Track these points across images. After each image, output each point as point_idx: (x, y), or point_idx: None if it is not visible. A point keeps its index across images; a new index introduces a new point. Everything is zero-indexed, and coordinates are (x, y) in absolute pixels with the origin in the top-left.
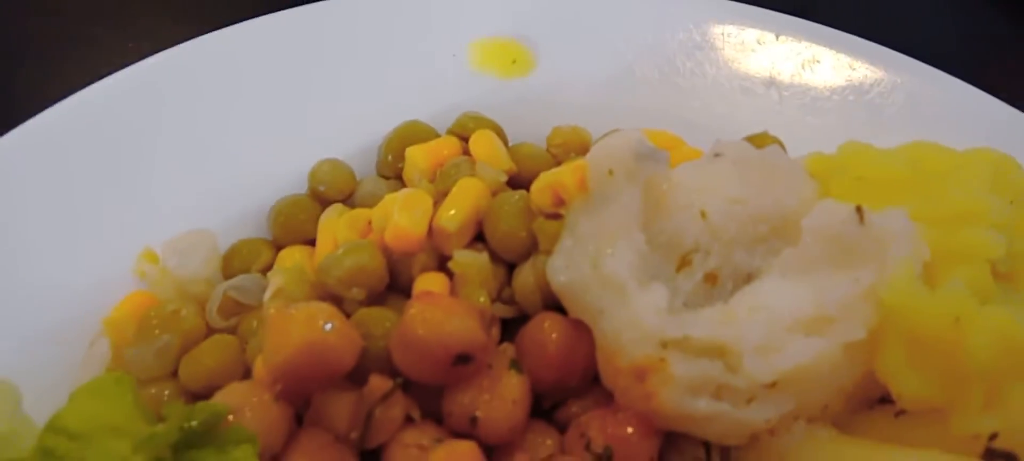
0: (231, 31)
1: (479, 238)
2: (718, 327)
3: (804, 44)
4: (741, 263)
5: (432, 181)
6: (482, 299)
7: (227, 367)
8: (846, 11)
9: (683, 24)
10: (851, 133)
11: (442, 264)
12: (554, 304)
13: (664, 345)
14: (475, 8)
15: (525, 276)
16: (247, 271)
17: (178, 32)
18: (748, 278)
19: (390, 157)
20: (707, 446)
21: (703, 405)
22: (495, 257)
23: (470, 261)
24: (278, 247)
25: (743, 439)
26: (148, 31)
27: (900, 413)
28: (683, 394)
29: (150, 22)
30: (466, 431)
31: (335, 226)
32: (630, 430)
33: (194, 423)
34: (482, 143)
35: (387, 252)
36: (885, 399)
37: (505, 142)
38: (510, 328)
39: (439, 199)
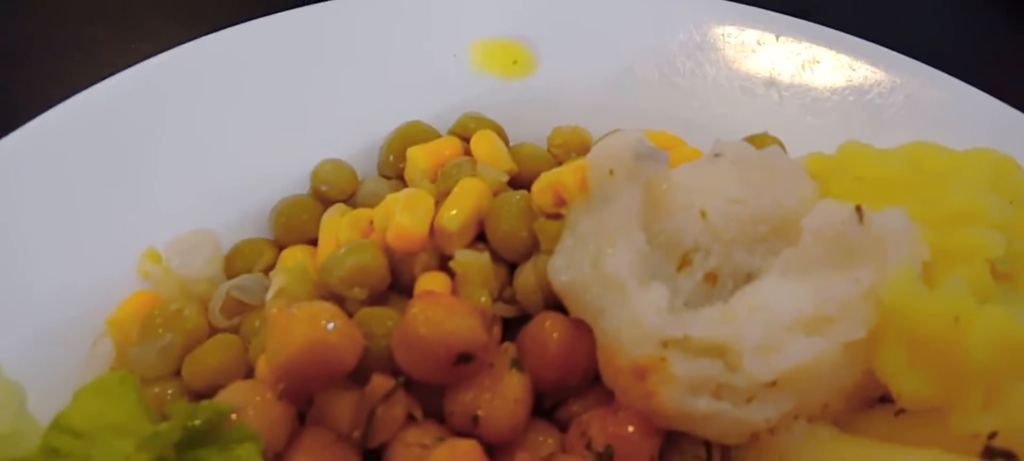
0: (233, 32)
1: (480, 238)
2: (718, 326)
3: (804, 45)
4: (741, 263)
5: (433, 181)
6: (483, 299)
7: (230, 366)
8: (846, 12)
9: (683, 25)
10: (851, 133)
11: (444, 264)
12: (555, 304)
13: (664, 344)
14: (476, 9)
15: (526, 276)
16: (250, 271)
17: (180, 33)
18: (748, 278)
19: (392, 157)
20: (708, 445)
21: (703, 404)
22: (496, 257)
23: (471, 261)
24: (280, 247)
25: (743, 438)
26: (151, 32)
27: (900, 412)
28: (683, 393)
29: (153, 23)
30: (468, 430)
31: (337, 226)
32: (631, 429)
33: (197, 422)
34: (483, 143)
35: (389, 252)
36: (885, 398)
37: (506, 142)
38: (511, 328)
39: (441, 199)
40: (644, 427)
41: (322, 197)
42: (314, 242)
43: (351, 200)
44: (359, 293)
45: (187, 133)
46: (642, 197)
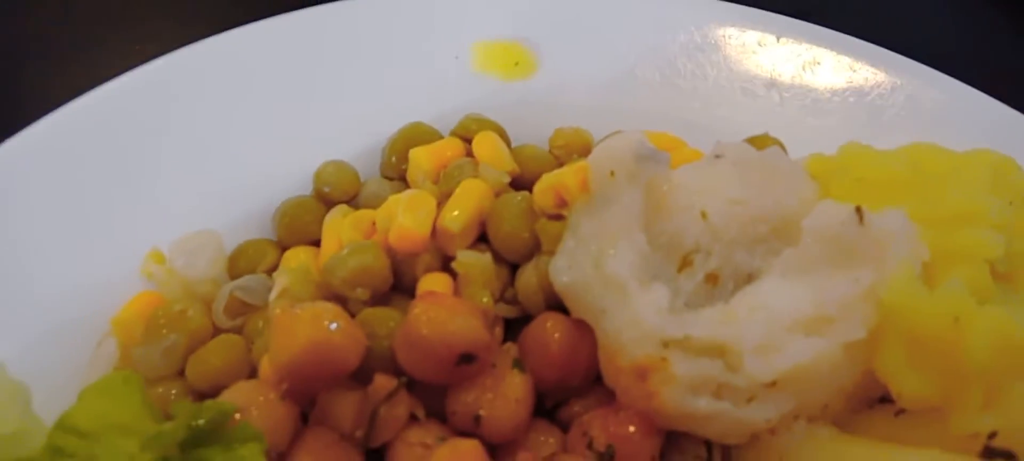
0: (236, 34)
1: (482, 239)
2: (719, 327)
3: (805, 46)
4: (742, 263)
5: (436, 182)
6: (485, 299)
7: (233, 366)
8: (846, 13)
9: (684, 26)
10: (851, 134)
11: (446, 264)
12: (557, 304)
13: (665, 345)
14: (478, 11)
15: (528, 276)
16: (253, 271)
17: (184, 35)
18: (749, 278)
19: (394, 158)
20: (708, 445)
21: (704, 404)
22: (498, 257)
23: (473, 261)
24: (283, 248)
25: (744, 438)
26: (154, 34)
27: (900, 412)
28: (684, 393)
29: (156, 25)
30: (470, 430)
31: (340, 227)
32: (632, 429)
33: (201, 421)
34: (485, 145)
35: (391, 253)
36: (885, 398)
37: (508, 144)
38: (513, 328)
39: (443, 200)
40: (645, 427)
41: (325, 198)
42: (317, 243)
43: (354, 201)
44: (362, 294)
45: (190, 134)
46: (643, 198)
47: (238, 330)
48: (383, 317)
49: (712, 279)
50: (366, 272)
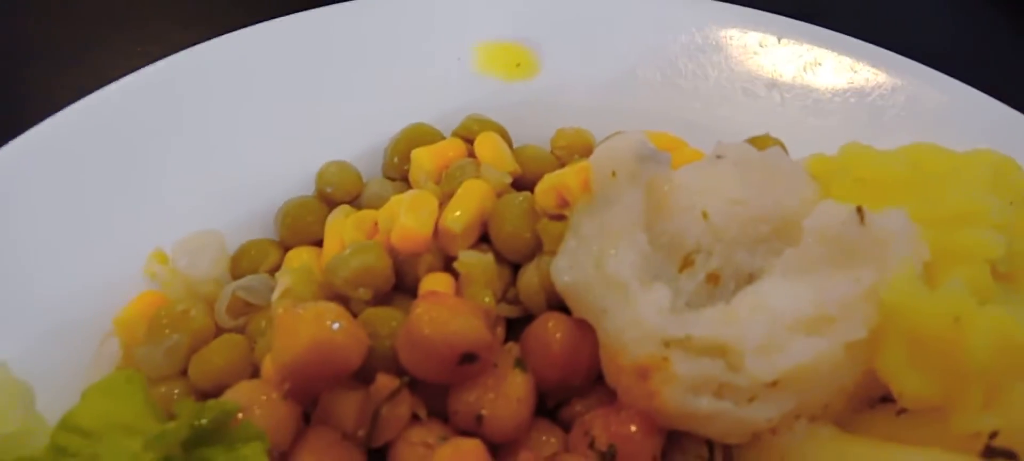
0: (239, 35)
1: (484, 239)
2: (720, 326)
3: (805, 47)
4: (743, 263)
5: (438, 183)
6: (487, 299)
7: (236, 366)
8: (847, 14)
9: (685, 27)
10: (852, 135)
11: (448, 264)
12: (558, 304)
13: (667, 344)
14: (479, 12)
15: (529, 276)
16: (255, 271)
17: (187, 36)
18: (750, 278)
19: (396, 159)
20: (710, 444)
21: (705, 404)
22: (500, 257)
23: (475, 261)
24: (286, 248)
25: (745, 438)
26: (157, 35)
27: (901, 412)
28: (685, 393)
29: (159, 26)
30: (471, 429)
31: (342, 227)
32: (633, 428)
33: (204, 421)
34: (487, 145)
35: (393, 253)
36: (886, 398)
37: (509, 144)
38: (515, 328)
39: (444, 200)
40: (646, 426)
41: (327, 198)
42: (319, 243)
43: (356, 201)
44: (364, 293)
45: (193, 135)
46: (644, 198)
47: (240, 330)
48: (385, 317)
49: (713, 279)
50: (368, 272)
